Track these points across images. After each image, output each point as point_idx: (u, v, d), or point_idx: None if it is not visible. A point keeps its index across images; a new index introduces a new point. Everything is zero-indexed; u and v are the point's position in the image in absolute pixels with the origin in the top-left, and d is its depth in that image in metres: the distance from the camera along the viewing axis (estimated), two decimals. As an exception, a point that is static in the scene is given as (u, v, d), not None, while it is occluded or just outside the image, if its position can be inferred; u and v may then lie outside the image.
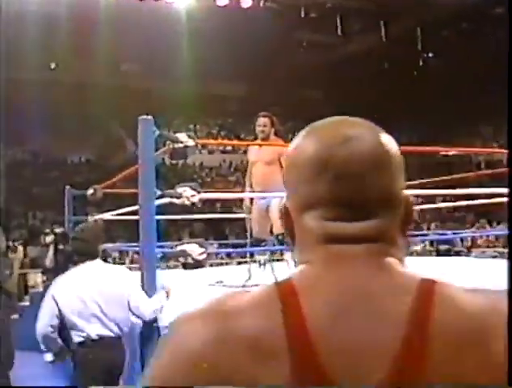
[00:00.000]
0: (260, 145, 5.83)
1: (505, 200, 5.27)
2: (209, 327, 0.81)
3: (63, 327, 4.11)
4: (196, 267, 3.73)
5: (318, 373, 0.77)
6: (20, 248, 6.47)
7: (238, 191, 6.90)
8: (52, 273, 8.78)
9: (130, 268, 11.06)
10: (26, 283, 12.74)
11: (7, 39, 24.27)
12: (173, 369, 0.81)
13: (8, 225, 21.47)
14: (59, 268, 6.14)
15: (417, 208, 13.96)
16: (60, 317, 4.04)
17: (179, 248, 4.17)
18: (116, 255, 14.99)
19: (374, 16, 26.89)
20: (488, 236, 13.88)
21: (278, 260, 6.64)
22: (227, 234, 19.98)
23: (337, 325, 0.79)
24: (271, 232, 5.72)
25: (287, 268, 5.44)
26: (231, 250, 13.22)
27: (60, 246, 7.70)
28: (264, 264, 5.77)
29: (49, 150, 25.53)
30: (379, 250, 0.85)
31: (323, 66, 29.60)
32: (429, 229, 15.57)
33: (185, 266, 10.87)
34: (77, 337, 4.01)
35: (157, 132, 3.91)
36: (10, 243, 6.55)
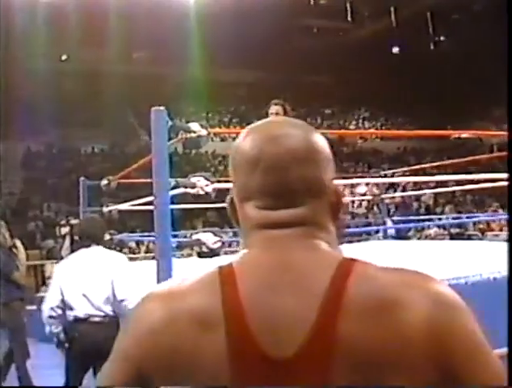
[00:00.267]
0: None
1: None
2: (161, 307, 0.96)
3: (64, 308, 4.36)
4: (211, 256, 3.75)
5: (248, 341, 0.89)
6: (19, 243, 6.54)
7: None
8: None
9: (146, 258, 11.17)
10: (43, 274, 12.87)
11: (19, 30, 24.39)
12: (132, 343, 0.97)
13: (25, 216, 21.64)
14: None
15: (431, 191, 13.95)
16: (62, 297, 4.28)
17: (194, 237, 4.22)
18: (133, 245, 15.05)
19: (383, 1, 26.70)
20: (500, 220, 13.79)
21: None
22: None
23: (265, 298, 0.91)
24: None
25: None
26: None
27: (76, 238, 7.76)
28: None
29: (63, 141, 25.61)
30: (305, 233, 0.97)
31: (334, 52, 29.47)
32: (442, 213, 15.50)
33: (200, 255, 10.92)
34: (69, 316, 4.27)
35: (170, 123, 3.93)
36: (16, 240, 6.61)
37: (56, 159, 24.82)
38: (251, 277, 0.95)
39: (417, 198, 19.27)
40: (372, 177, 10.38)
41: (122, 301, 4.18)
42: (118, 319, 4.25)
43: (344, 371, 0.87)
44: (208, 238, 4.03)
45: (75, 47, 26.37)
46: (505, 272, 4.79)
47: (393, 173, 10.11)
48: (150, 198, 4.50)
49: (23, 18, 24.24)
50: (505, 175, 4.72)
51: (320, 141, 1.03)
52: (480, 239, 11.00)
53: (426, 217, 12.91)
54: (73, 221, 8.78)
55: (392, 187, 13.85)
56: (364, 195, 16.58)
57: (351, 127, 32.14)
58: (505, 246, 7.96)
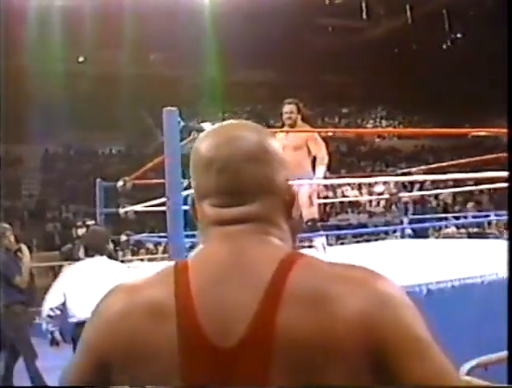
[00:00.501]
0: (287, 132, 5.80)
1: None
2: (120, 299, 1.04)
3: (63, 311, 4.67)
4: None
5: (197, 332, 0.95)
6: (24, 247, 6.58)
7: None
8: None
9: (163, 258, 11.17)
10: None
11: (36, 33, 24.55)
12: (92, 334, 1.05)
13: (43, 218, 21.79)
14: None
15: (447, 191, 13.82)
16: (63, 301, 4.57)
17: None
18: (151, 245, 15.04)
19: None
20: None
21: (309, 247, 6.63)
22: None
23: (214, 292, 0.97)
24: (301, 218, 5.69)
25: (316, 255, 5.45)
26: None
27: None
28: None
29: (80, 143, 25.77)
30: (256, 228, 1.03)
31: (350, 51, 29.37)
32: (460, 211, 15.37)
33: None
34: (72, 320, 4.53)
35: (182, 123, 3.92)
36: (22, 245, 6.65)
37: (73, 161, 24.99)
38: (202, 271, 1.01)
39: (436, 196, 19.16)
40: (389, 175, 10.32)
41: None
42: None
43: (283, 360, 0.91)
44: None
45: (92, 49, 26.51)
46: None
47: (409, 171, 10.04)
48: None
49: (40, 21, 24.40)
50: None
51: (273, 143, 1.09)
52: (498, 238, 10.88)
53: (444, 215, 12.81)
54: (90, 223, 8.80)
55: (409, 185, 13.73)
56: (382, 194, 16.52)
57: (369, 126, 32.01)
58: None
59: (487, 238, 11.16)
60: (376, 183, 19.50)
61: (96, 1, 23.66)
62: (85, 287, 4.44)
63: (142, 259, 12.78)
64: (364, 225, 17.48)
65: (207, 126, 4.12)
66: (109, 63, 27.17)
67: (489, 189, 16.29)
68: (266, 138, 1.09)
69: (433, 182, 17.18)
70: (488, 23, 27.00)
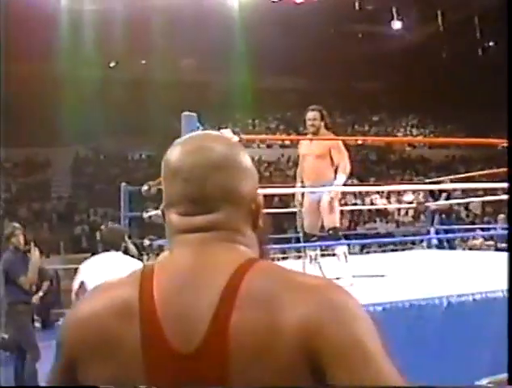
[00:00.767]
0: (311, 139, 5.75)
1: None
2: (92, 299, 1.09)
3: None
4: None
5: (158, 335, 0.99)
6: (34, 248, 6.64)
7: (289, 186, 6.83)
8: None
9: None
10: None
11: (69, 38, 24.84)
12: (65, 332, 1.09)
13: (72, 220, 22.00)
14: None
15: (476, 199, 13.58)
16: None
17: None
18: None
19: (431, 6, 26.31)
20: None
21: (331, 255, 6.57)
22: (285, 228, 19.87)
23: (175, 297, 1.01)
24: (322, 227, 5.63)
25: (337, 263, 5.39)
26: (284, 245, 13.19)
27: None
28: (315, 260, 5.71)
29: (110, 147, 25.97)
30: (220, 236, 1.07)
31: (381, 58, 29.16)
32: (489, 222, 15.15)
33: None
34: None
35: (201, 128, 3.89)
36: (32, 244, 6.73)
37: (103, 165, 25.19)
38: (166, 277, 1.05)
39: (466, 207, 18.94)
40: (415, 184, 10.19)
41: None
42: None
43: (238, 363, 0.94)
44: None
45: (123, 54, 26.73)
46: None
47: (438, 180, 9.92)
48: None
49: (71, 26, 24.68)
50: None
51: (239, 154, 1.12)
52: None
53: (470, 226, 12.64)
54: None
55: (436, 195, 13.57)
56: (411, 203, 16.37)
57: (399, 134, 31.75)
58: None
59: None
60: (405, 191, 19.38)
61: (128, 6, 23.84)
62: (92, 279, 4.52)
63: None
64: (391, 235, 17.33)
65: (226, 132, 4.08)
66: (140, 68, 27.37)
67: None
68: (233, 149, 1.13)
69: (463, 192, 16.98)
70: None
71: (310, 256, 5.73)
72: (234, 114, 29.01)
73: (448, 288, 4.26)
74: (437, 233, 8.94)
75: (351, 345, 0.94)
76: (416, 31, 28.29)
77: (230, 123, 28.31)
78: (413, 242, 12.70)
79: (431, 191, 9.70)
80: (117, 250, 4.94)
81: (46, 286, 10.06)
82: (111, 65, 29.06)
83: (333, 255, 6.03)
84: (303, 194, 5.83)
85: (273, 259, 12.64)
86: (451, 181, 9.47)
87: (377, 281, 5.27)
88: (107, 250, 4.95)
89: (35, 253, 6.52)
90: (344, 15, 26.02)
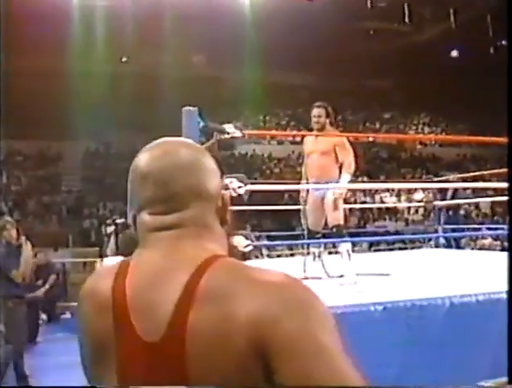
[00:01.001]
0: (316, 136, 5.70)
1: None
2: (83, 288, 1.22)
3: None
4: (243, 260, 3.68)
5: (128, 326, 1.08)
6: (25, 242, 6.62)
7: (293, 183, 6.78)
8: (113, 263, 8.95)
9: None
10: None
11: (80, 32, 24.90)
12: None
13: (81, 214, 22.07)
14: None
15: (485, 200, 13.46)
16: None
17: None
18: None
19: (443, 4, 26.12)
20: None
21: (334, 253, 6.53)
22: (294, 225, 19.80)
23: (143, 291, 1.10)
24: (326, 224, 5.58)
25: (341, 261, 5.35)
26: (277, 242, 13.27)
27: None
28: (319, 257, 5.67)
29: (121, 141, 25.99)
30: (188, 233, 1.14)
31: (393, 55, 28.99)
32: (498, 222, 15.04)
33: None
34: None
35: (202, 123, 3.85)
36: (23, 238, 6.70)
37: (113, 159, 25.21)
38: (137, 272, 1.13)
39: (477, 207, 18.82)
40: (423, 182, 10.12)
41: None
42: None
43: (195, 354, 1.01)
44: (240, 241, 3.92)
45: (135, 49, 26.74)
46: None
47: (446, 179, 9.84)
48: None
49: (83, 21, 24.73)
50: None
51: (204, 157, 1.22)
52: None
53: (477, 226, 12.54)
54: (119, 221, 8.84)
55: (444, 193, 13.48)
56: (421, 201, 16.29)
57: (411, 132, 31.59)
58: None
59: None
60: (416, 190, 19.31)
61: (139, 2, 23.84)
62: None
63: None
64: (400, 233, 17.25)
65: (228, 127, 4.04)
66: (152, 63, 27.34)
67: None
68: (197, 152, 1.22)
69: (473, 191, 16.89)
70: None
71: (314, 253, 5.69)
72: (245, 110, 28.97)
73: (452, 288, 4.21)
74: (445, 232, 8.87)
75: (301, 339, 0.96)
76: (428, 29, 28.11)
77: (241, 119, 28.33)
78: (423, 241, 12.64)
79: (440, 190, 9.63)
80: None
81: (52, 279, 10.14)
82: (123, 60, 29.07)
83: (335, 252, 6.00)
84: (307, 191, 5.78)
85: (280, 256, 12.64)
86: (461, 180, 9.41)
87: (381, 280, 5.21)
88: (120, 254, 4.92)
89: (26, 247, 6.51)
90: (356, 12, 25.86)
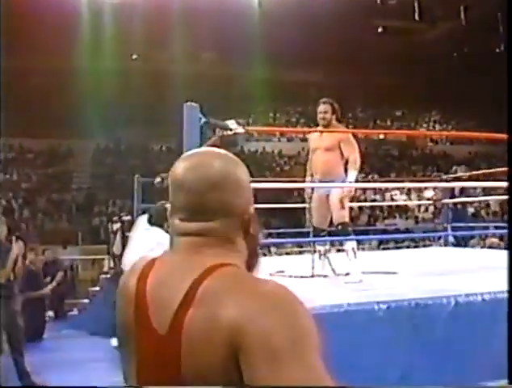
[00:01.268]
0: (321, 132, 5.64)
1: None
2: (119, 284, 1.38)
3: None
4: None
5: (145, 317, 1.23)
6: (14, 240, 6.53)
7: (302, 181, 6.71)
8: (119, 260, 8.94)
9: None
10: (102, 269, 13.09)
11: (91, 30, 24.94)
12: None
13: (91, 211, 22.11)
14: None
15: (494, 198, 13.32)
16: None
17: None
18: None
19: (453, 1, 25.94)
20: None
21: (342, 251, 6.49)
22: (303, 222, 19.72)
23: (158, 289, 1.24)
24: (332, 222, 5.52)
25: (346, 258, 5.29)
26: (283, 240, 13.26)
27: (127, 234, 7.79)
28: (324, 255, 5.62)
29: (132, 138, 26.04)
30: (206, 242, 1.24)
31: (404, 52, 28.85)
32: (505, 221, 14.90)
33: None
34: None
35: (204, 119, 3.81)
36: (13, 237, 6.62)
37: (123, 156, 25.26)
38: (158, 271, 1.28)
39: (487, 204, 18.69)
40: (432, 181, 10.04)
41: None
42: None
43: (188, 352, 1.12)
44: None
45: (145, 47, 26.74)
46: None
47: (455, 176, 9.75)
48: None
49: (94, 19, 24.75)
50: None
51: (235, 171, 1.29)
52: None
53: (485, 224, 12.45)
54: (125, 218, 8.82)
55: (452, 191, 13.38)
56: (430, 199, 16.19)
57: (422, 130, 31.45)
58: None
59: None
60: (426, 188, 19.19)
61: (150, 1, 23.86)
62: (134, 249, 5.06)
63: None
64: (409, 231, 17.17)
65: (231, 123, 4.00)
66: (162, 61, 27.35)
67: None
68: (230, 166, 1.29)
69: (483, 189, 16.77)
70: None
71: (319, 251, 5.64)
72: (255, 107, 28.94)
73: (457, 287, 4.16)
74: (454, 230, 8.79)
75: (270, 338, 1.03)
76: (438, 26, 27.94)
77: (251, 116, 28.32)
78: (433, 239, 12.55)
79: (449, 188, 9.54)
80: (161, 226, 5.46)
81: (60, 276, 10.14)
82: (134, 57, 29.09)
83: (341, 250, 5.95)
84: (312, 188, 5.73)
85: (288, 254, 12.58)
86: (470, 177, 9.32)
87: (387, 278, 5.16)
88: (153, 224, 5.55)
89: (16, 246, 6.42)
90: (366, 9, 25.73)
